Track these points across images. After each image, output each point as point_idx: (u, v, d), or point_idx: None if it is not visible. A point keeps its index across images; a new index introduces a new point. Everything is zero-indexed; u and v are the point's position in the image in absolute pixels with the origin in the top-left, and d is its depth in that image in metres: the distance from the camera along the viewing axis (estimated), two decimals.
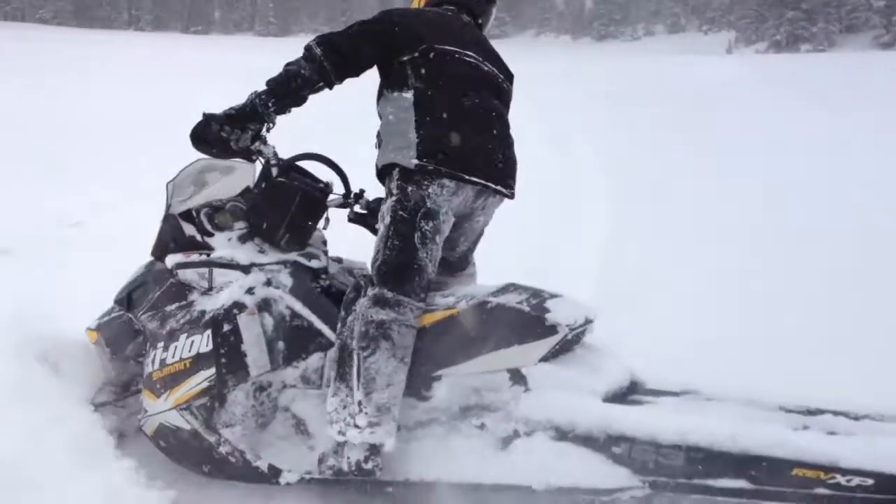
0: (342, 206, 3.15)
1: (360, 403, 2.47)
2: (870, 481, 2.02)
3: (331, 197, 3.04)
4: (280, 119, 2.75)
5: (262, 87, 2.69)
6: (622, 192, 8.61)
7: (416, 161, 2.63)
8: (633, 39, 69.82)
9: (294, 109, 2.74)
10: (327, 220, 3.05)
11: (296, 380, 2.69)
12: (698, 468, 2.19)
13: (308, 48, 2.71)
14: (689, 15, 72.27)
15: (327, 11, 76.38)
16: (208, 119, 2.64)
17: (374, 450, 2.48)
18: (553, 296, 2.66)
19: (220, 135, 2.64)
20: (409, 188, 2.64)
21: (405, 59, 2.74)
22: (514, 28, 76.24)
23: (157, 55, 27.76)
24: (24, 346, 2.78)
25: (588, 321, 2.65)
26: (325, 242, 3.13)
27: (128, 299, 2.98)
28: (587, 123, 14.03)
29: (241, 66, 18.47)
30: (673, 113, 14.87)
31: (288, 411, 2.68)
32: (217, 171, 3.04)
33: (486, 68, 2.85)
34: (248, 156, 2.80)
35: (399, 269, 2.59)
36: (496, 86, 2.90)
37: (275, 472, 2.56)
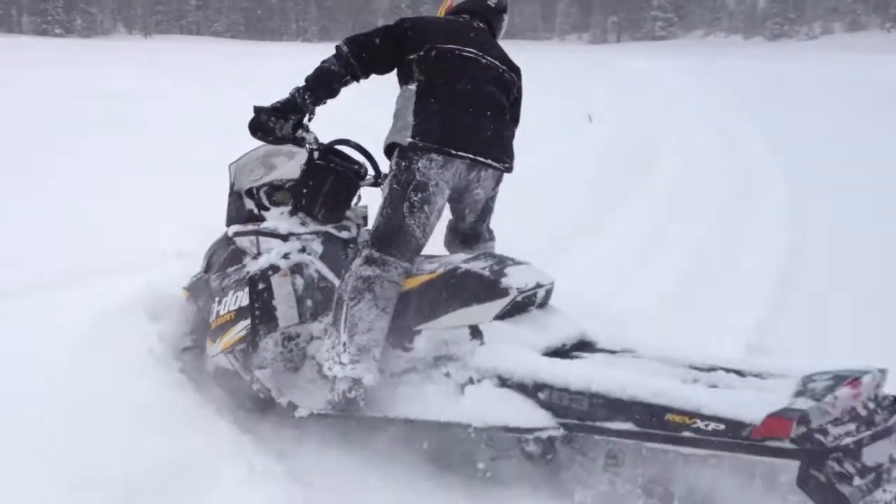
0: (374, 185, 3.54)
1: (344, 344, 2.88)
2: (722, 426, 2.32)
3: (367, 177, 3.52)
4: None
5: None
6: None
7: (409, 139, 3.02)
8: (808, 38, 66.43)
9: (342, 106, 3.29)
10: (359, 197, 3.55)
11: (321, 332, 3.14)
12: (598, 412, 2.54)
13: (338, 47, 3.17)
14: (870, 12, 68.36)
15: None
16: (258, 111, 3.18)
17: (356, 383, 2.87)
18: (517, 263, 3.07)
19: (268, 124, 3.16)
20: (403, 164, 3.03)
21: (412, 57, 3.15)
22: (682, 29, 74.47)
23: None
24: (139, 302, 3.62)
25: (539, 286, 3.03)
26: (365, 218, 3.56)
27: (208, 263, 3.55)
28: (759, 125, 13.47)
29: None
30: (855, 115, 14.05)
31: (314, 359, 3.13)
32: (283, 156, 3.55)
33: (485, 61, 3.20)
34: (296, 142, 3.29)
35: (388, 234, 3.00)
36: (495, 75, 3.23)
37: (292, 407, 2.99)
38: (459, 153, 3.02)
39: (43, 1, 65.40)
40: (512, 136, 3.30)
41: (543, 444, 2.69)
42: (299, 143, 3.30)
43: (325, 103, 3.21)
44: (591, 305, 4.23)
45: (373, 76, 3.23)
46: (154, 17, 72.22)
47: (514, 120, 3.41)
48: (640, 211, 7.69)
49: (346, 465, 2.97)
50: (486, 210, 3.44)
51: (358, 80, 3.19)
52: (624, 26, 73.38)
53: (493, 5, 3.48)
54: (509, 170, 3.26)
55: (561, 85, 23.66)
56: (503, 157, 3.20)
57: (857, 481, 2.22)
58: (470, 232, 3.48)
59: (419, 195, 2.98)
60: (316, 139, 3.33)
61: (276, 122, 3.16)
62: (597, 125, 14.20)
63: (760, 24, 71.25)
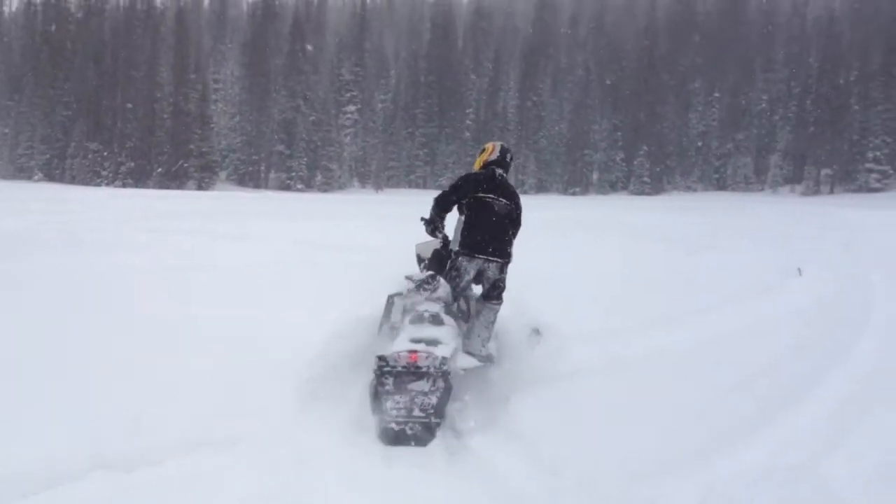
0: None
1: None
2: (401, 367, 5.21)
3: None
4: None
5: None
6: None
7: (457, 248, 6.28)
8: None
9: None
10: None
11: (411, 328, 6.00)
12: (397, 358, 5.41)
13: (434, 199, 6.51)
14: None
15: (703, 168, 76.46)
16: (423, 220, 6.51)
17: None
18: (431, 302, 6.05)
19: (425, 227, 6.49)
20: (453, 258, 6.31)
21: (463, 202, 6.36)
22: None
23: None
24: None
25: (427, 311, 5.86)
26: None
27: None
28: None
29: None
30: None
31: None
32: None
33: (500, 202, 6.30)
34: (435, 237, 6.54)
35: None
36: (502, 209, 6.30)
37: (377, 355, 5.56)
38: (477, 255, 6.20)
39: (289, 159, 72.34)
40: (510, 243, 6.37)
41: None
42: (437, 237, 6.53)
43: (441, 224, 6.43)
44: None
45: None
46: (386, 173, 76.97)
47: (515, 229, 6.42)
48: (841, 391, 6.48)
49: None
50: (495, 286, 6.35)
51: (443, 216, 6.43)
52: (838, 178, 70.81)
53: (508, 161, 6.65)
54: (508, 262, 6.34)
55: (771, 237, 23.48)
56: (503, 255, 6.28)
57: (387, 387, 5.13)
58: (485, 293, 6.39)
59: (454, 273, 6.25)
60: (444, 237, 6.56)
61: (426, 227, 6.47)
62: (807, 279, 13.84)
63: None
